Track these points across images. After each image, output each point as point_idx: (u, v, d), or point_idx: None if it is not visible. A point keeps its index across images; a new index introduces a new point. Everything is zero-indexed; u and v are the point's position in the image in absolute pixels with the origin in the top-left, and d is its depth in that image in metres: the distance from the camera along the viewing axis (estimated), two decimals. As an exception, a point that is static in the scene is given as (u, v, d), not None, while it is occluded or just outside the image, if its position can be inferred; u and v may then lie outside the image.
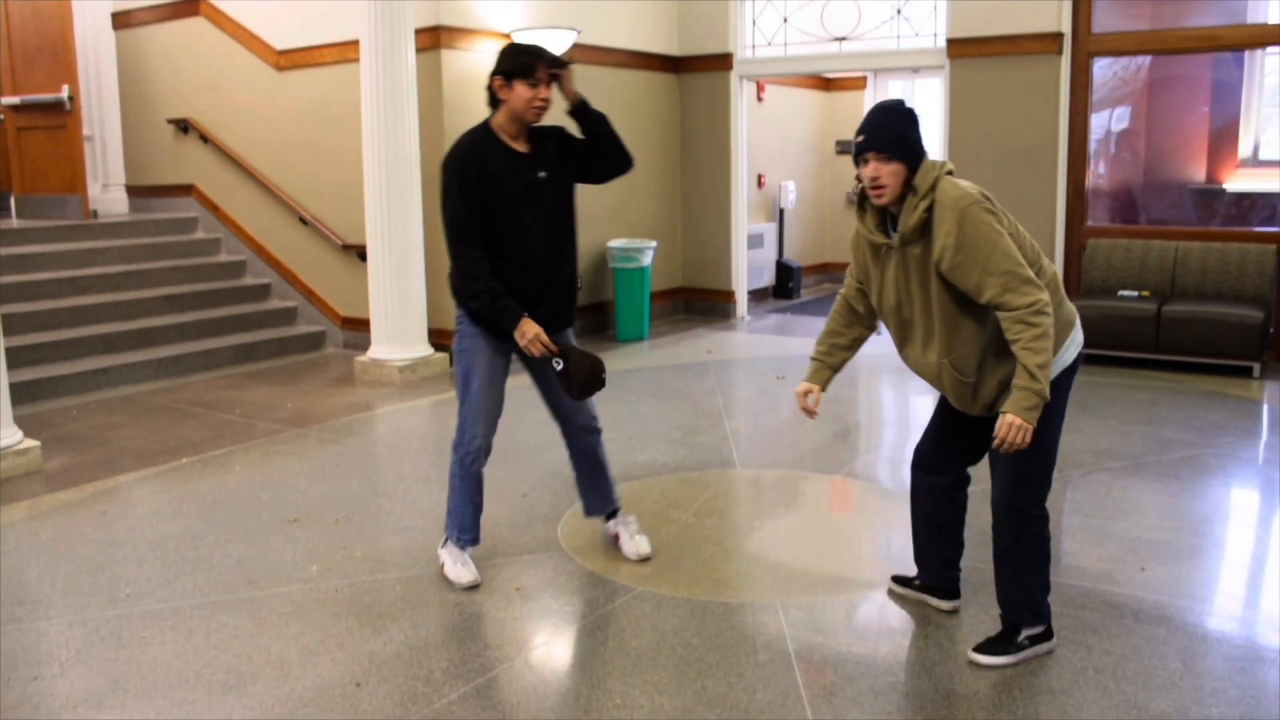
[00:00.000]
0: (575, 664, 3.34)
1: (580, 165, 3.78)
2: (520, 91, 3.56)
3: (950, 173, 3.07)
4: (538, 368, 3.84)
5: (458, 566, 3.86)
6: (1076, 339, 3.19)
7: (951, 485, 3.49)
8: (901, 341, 3.27)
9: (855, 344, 3.50)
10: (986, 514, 3.30)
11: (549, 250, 3.76)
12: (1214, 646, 3.34)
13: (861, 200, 3.20)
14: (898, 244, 3.09)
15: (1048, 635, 3.29)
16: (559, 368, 3.69)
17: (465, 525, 3.88)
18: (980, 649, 3.26)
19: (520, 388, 7.28)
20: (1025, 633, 3.25)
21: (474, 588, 3.79)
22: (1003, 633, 3.29)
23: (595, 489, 4.11)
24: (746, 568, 4.10)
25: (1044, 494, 3.23)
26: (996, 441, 2.98)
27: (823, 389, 3.47)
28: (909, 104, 3.15)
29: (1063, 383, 3.13)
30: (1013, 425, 2.93)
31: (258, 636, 3.46)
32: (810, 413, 3.54)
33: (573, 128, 3.75)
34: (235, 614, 3.63)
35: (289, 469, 5.29)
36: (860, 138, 3.05)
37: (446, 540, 3.94)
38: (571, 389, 3.73)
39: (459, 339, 3.79)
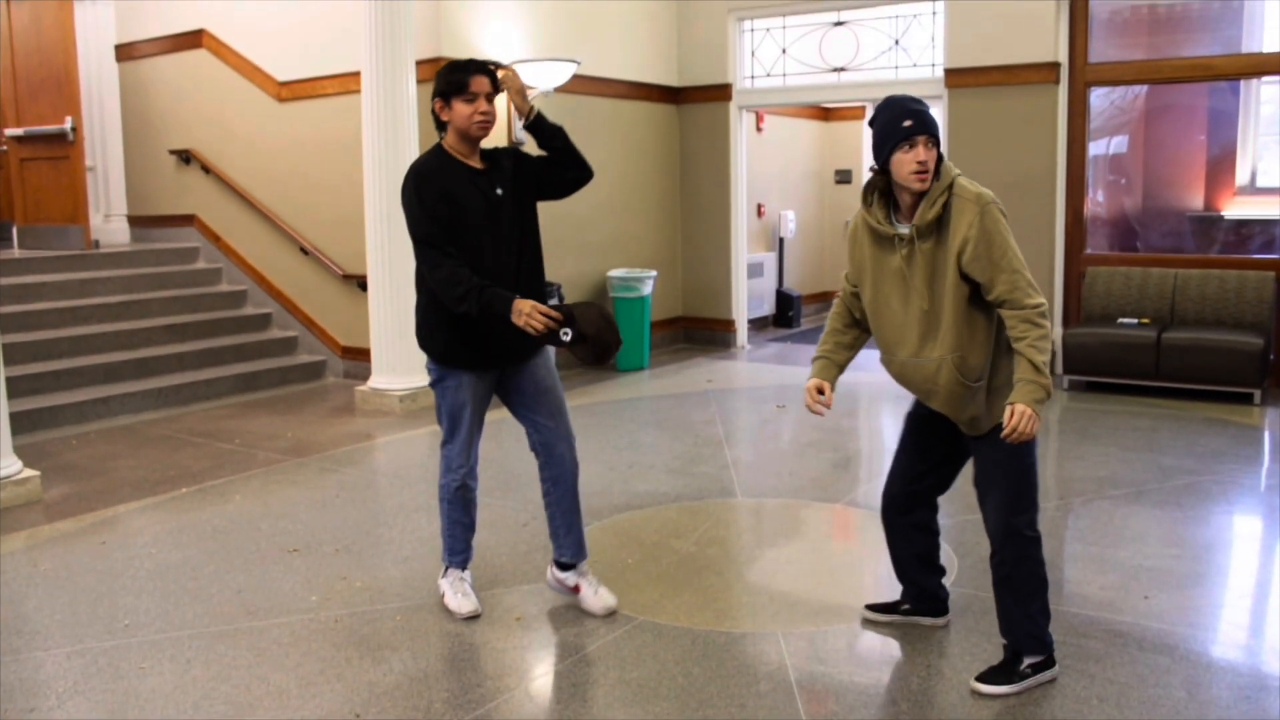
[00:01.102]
0: (576, 694, 3.32)
1: (539, 179, 3.74)
2: (460, 109, 3.51)
3: (960, 174, 3.17)
4: (516, 398, 3.77)
5: (458, 597, 3.82)
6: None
7: (926, 518, 3.51)
8: (895, 343, 3.25)
9: (857, 344, 3.49)
10: (984, 542, 3.29)
11: (514, 271, 3.61)
12: (1219, 675, 3.32)
13: (869, 191, 3.22)
14: (911, 235, 3.13)
15: (1050, 663, 3.27)
16: (567, 338, 3.44)
17: (456, 547, 3.86)
18: (983, 678, 3.24)
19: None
20: (1028, 661, 3.24)
21: (474, 618, 3.76)
22: (1005, 661, 3.27)
23: (571, 530, 3.84)
24: (748, 597, 4.09)
25: (1035, 515, 3.24)
26: (1006, 430, 3.00)
27: (832, 386, 3.40)
28: (887, 100, 3.21)
29: None
30: (1025, 414, 2.97)
31: (257, 667, 3.44)
32: (819, 410, 3.38)
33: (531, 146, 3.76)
34: (234, 644, 3.61)
35: (289, 499, 5.28)
36: (909, 123, 3.06)
37: (445, 569, 3.91)
38: (589, 354, 3.52)
39: (437, 379, 3.69)
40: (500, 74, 3.63)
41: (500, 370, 3.72)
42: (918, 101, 3.15)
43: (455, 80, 3.52)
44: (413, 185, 3.52)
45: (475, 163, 3.61)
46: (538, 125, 3.70)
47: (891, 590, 3.77)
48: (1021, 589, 3.24)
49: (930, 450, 3.41)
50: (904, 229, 3.16)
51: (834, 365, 3.44)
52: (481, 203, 3.55)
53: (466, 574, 3.90)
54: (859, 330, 3.46)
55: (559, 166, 3.78)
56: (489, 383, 3.73)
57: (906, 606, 3.68)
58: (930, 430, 3.38)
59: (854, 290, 3.39)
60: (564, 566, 3.88)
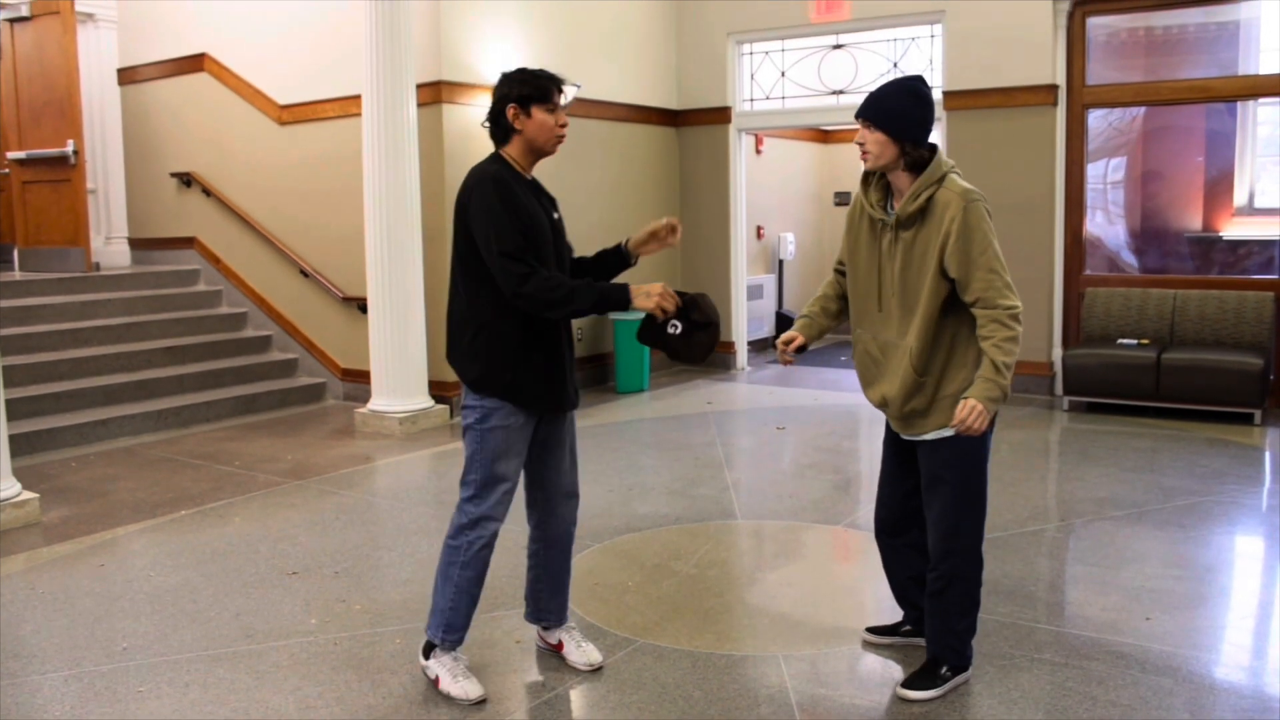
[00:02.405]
0: (576, 718, 3.30)
1: None
2: (540, 118, 3.20)
3: (957, 173, 3.19)
4: (535, 448, 3.40)
5: (460, 681, 3.33)
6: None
7: (919, 539, 3.49)
8: (862, 317, 3.34)
9: (841, 315, 3.52)
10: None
11: None
12: (1221, 697, 3.31)
13: (869, 173, 3.29)
14: (893, 224, 3.19)
15: (963, 670, 3.37)
16: (676, 330, 3.19)
17: (456, 624, 3.35)
18: (908, 684, 3.32)
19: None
20: (944, 668, 3.33)
21: (483, 703, 3.32)
22: (926, 666, 3.36)
23: (557, 594, 3.59)
24: (748, 619, 4.07)
25: (977, 541, 3.28)
26: (955, 420, 3.05)
27: (807, 343, 3.44)
28: (915, 82, 3.21)
29: (993, 423, 3.16)
30: (975, 409, 3.01)
31: (256, 690, 3.42)
32: (785, 359, 3.43)
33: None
34: (233, 667, 3.59)
35: (288, 521, 5.27)
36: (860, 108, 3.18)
37: (432, 648, 3.40)
38: (693, 349, 3.22)
39: (483, 418, 3.25)
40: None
41: (556, 413, 3.38)
42: (887, 84, 3.22)
43: (541, 86, 3.20)
44: (495, 193, 3.15)
45: (529, 178, 3.31)
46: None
47: (893, 612, 3.76)
48: (951, 608, 3.31)
49: (909, 467, 3.41)
50: (891, 216, 3.22)
51: (814, 326, 3.51)
52: (546, 221, 3.27)
53: (461, 655, 3.43)
54: (844, 304, 3.50)
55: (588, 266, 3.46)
56: (532, 427, 3.33)
57: (907, 628, 3.67)
58: (906, 447, 3.39)
59: (840, 268, 3.46)
60: (544, 626, 3.64)
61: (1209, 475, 5.79)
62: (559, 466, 3.47)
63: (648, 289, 3.15)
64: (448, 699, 3.33)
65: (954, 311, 3.15)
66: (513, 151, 3.26)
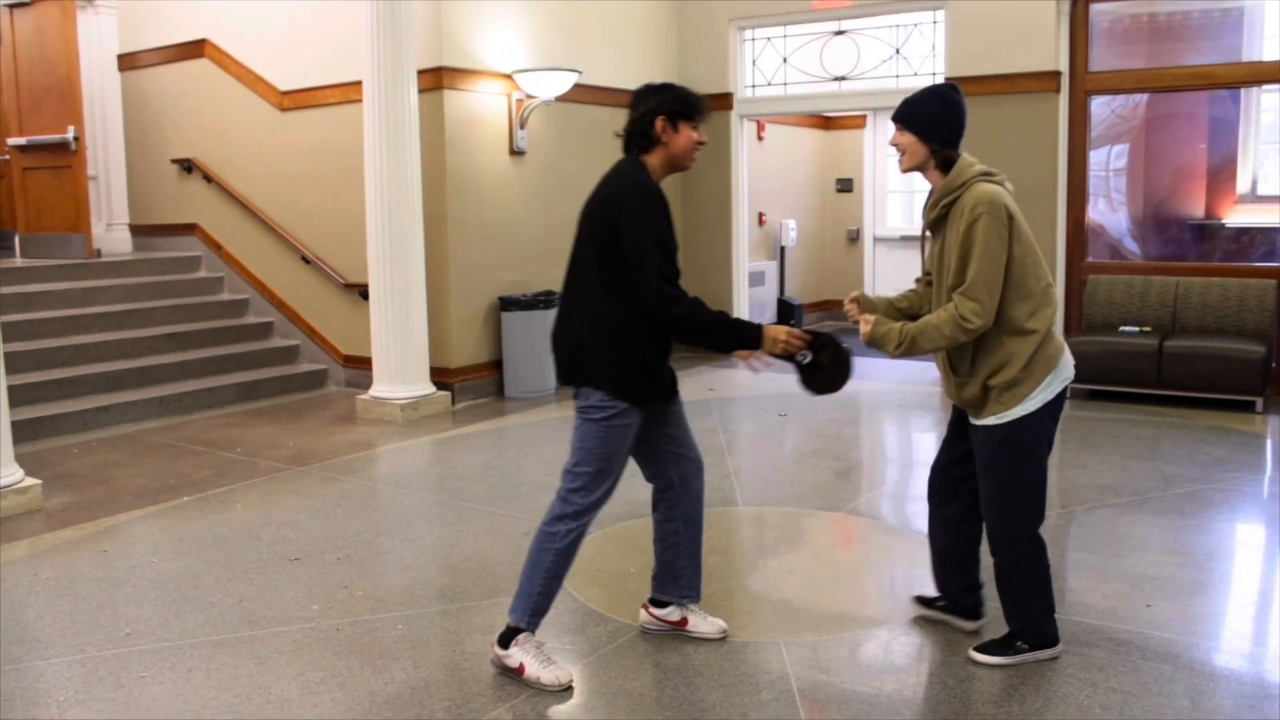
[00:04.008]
0: (578, 703, 3.31)
1: None
2: (686, 134, 3.32)
3: (991, 174, 3.29)
4: (656, 432, 3.46)
5: (549, 668, 3.32)
6: (1063, 373, 3.34)
7: (960, 516, 3.55)
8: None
9: (904, 315, 3.56)
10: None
11: None
12: (1222, 684, 3.31)
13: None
14: (924, 226, 3.43)
15: (1048, 645, 3.43)
16: (806, 360, 3.34)
17: (543, 609, 3.39)
18: (981, 649, 3.43)
19: (521, 425, 7.28)
20: (1019, 643, 3.41)
21: (570, 688, 3.32)
22: (1005, 636, 3.44)
23: (699, 568, 3.62)
24: (749, 606, 4.08)
25: (1031, 522, 3.35)
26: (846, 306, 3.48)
27: (866, 308, 3.54)
28: (949, 91, 3.40)
29: (1047, 414, 3.30)
30: (867, 324, 3.32)
31: (258, 676, 3.43)
32: (849, 308, 3.59)
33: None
34: (235, 653, 3.60)
35: (290, 507, 5.28)
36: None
37: (512, 636, 3.38)
38: (818, 382, 3.38)
39: (611, 415, 3.27)
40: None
41: (667, 402, 3.45)
42: (921, 90, 3.42)
43: (693, 105, 3.33)
44: (659, 208, 3.24)
45: None
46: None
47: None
48: (1019, 592, 3.39)
49: (961, 439, 3.51)
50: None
51: (887, 302, 3.59)
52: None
53: (541, 641, 3.43)
54: (910, 311, 3.59)
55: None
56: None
57: (942, 603, 3.73)
58: (963, 419, 3.49)
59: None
60: (662, 604, 3.65)
61: (1210, 463, 5.79)
62: (688, 442, 3.56)
63: (775, 334, 3.29)
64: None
65: None
66: (653, 161, 3.35)
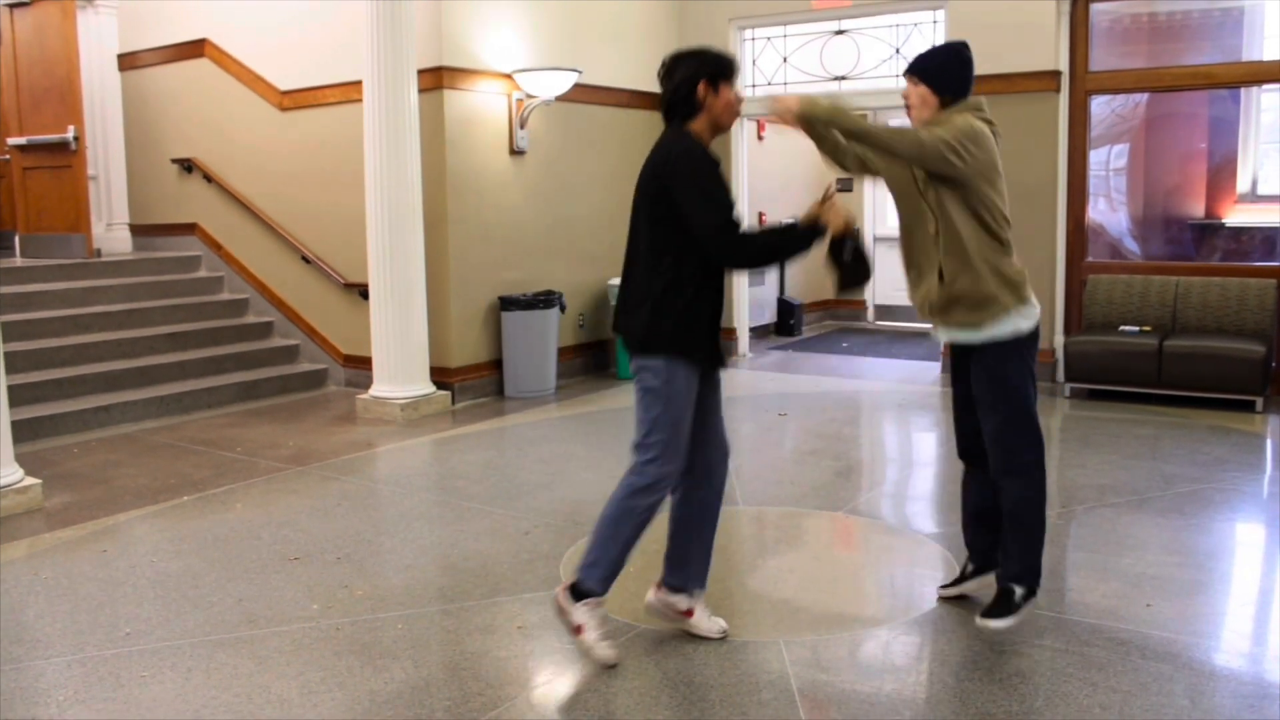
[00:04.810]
0: (577, 703, 3.31)
1: None
2: (726, 94, 3.37)
3: (981, 109, 3.54)
4: (701, 392, 3.50)
5: (603, 645, 3.42)
6: (1032, 312, 3.50)
7: (985, 477, 3.67)
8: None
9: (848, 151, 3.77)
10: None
11: None
12: (1221, 683, 3.31)
13: None
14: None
15: (1034, 592, 3.57)
16: (849, 256, 3.50)
17: (613, 575, 3.44)
18: (987, 614, 3.51)
19: (520, 425, 7.27)
20: (1019, 592, 3.51)
21: (614, 667, 3.42)
22: (1001, 596, 3.53)
23: (709, 556, 3.64)
24: (749, 605, 4.08)
25: (1033, 461, 3.50)
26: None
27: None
28: (963, 47, 3.59)
29: (1024, 348, 3.49)
30: (784, 100, 3.44)
31: (258, 675, 3.43)
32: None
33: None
34: (235, 653, 3.60)
35: (290, 507, 5.28)
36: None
37: (581, 593, 3.41)
38: (857, 275, 3.55)
39: (669, 379, 3.34)
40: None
41: (716, 369, 3.52)
42: (933, 47, 3.65)
43: (728, 64, 3.39)
44: (711, 166, 3.31)
45: None
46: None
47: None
48: (1026, 526, 3.52)
49: (969, 398, 3.63)
50: None
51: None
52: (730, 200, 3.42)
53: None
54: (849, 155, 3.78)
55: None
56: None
57: (971, 568, 3.86)
58: (965, 376, 3.63)
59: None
60: (676, 589, 3.64)
61: (1210, 462, 5.79)
62: (718, 427, 3.57)
63: (830, 221, 3.40)
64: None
65: (959, 216, 3.44)
66: (698, 127, 3.38)
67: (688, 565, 3.62)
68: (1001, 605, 3.51)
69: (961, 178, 3.39)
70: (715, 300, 3.44)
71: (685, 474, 3.53)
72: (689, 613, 3.65)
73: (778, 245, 3.45)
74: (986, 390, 3.51)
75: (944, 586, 3.94)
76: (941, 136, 3.33)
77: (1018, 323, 3.45)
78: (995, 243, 3.47)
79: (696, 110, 3.36)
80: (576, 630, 3.41)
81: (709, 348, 3.43)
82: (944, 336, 3.62)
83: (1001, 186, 3.51)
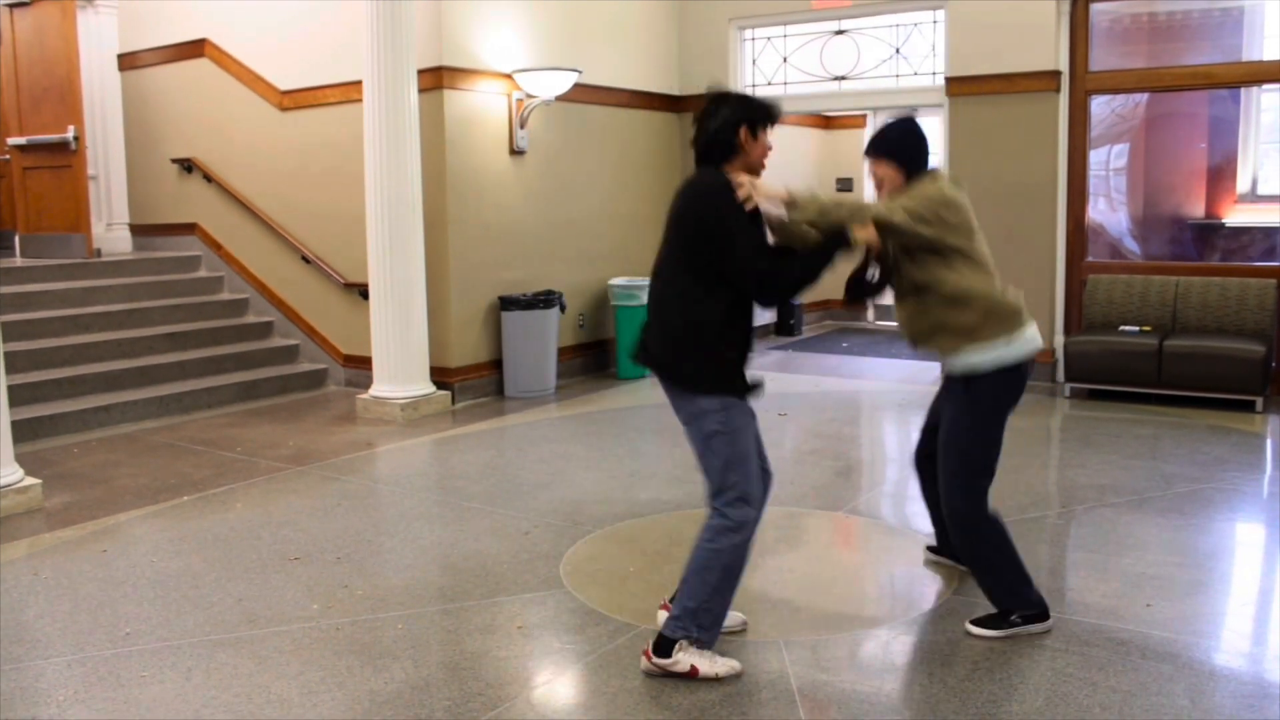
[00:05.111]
0: (577, 703, 3.31)
1: None
2: (763, 141, 3.38)
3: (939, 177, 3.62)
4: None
5: (719, 660, 3.36)
6: (1018, 346, 3.55)
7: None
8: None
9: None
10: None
11: None
12: (1221, 683, 3.31)
13: None
14: None
15: (1043, 617, 3.62)
16: (874, 279, 3.62)
17: (721, 618, 3.40)
18: (976, 621, 3.63)
19: (520, 425, 7.26)
20: (1014, 615, 3.60)
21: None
22: (1000, 612, 3.63)
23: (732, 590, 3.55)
24: (749, 605, 4.07)
25: (978, 498, 3.61)
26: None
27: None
28: (916, 123, 3.74)
29: (998, 381, 3.55)
30: (752, 184, 3.33)
31: (258, 675, 3.43)
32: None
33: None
34: (235, 653, 3.60)
35: (290, 507, 5.28)
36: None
37: (676, 644, 3.34)
38: (872, 294, 3.69)
39: (728, 418, 3.33)
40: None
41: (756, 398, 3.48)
42: (885, 125, 3.76)
43: (771, 112, 3.40)
44: (734, 198, 3.28)
45: None
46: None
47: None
48: (982, 564, 3.67)
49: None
50: None
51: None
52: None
53: None
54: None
55: None
56: None
57: (948, 553, 4.15)
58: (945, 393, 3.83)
59: None
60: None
61: (1210, 462, 5.79)
62: (762, 453, 3.55)
63: (863, 235, 3.44)
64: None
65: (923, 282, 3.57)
66: (732, 169, 3.36)
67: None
68: (992, 621, 3.62)
69: (932, 243, 3.49)
70: (751, 332, 3.46)
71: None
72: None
73: (810, 272, 3.39)
74: (948, 417, 3.71)
75: (930, 549, 4.30)
76: (907, 207, 3.45)
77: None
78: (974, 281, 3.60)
79: (735, 153, 3.35)
80: (691, 674, 3.32)
81: (750, 379, 3.43)
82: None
83: (979, 242, 3.61)
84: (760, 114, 3.38)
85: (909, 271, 3.56)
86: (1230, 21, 8.89)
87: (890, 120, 3.76)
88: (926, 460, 3.94)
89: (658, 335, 3.43)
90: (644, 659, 3.37)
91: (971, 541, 3.63)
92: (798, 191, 3.39)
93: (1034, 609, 3.60)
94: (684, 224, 3.34)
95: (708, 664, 3.33)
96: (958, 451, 3.59)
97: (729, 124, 3.34)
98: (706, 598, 3.33)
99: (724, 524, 3.34)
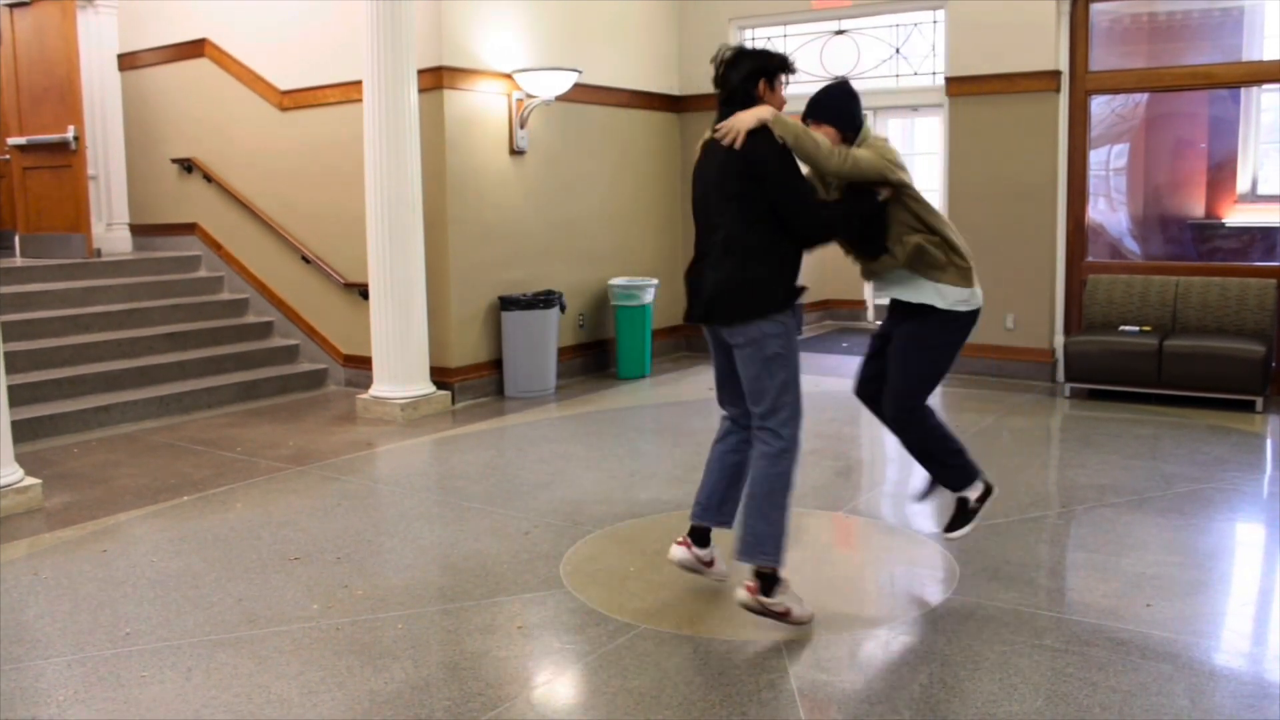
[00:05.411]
0: (577, 703, 3.32)
1: None
2: (779, 91, 3.72)
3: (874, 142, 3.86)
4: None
5: (802, 605, 3.66)
6: (980, 297, 3.96)
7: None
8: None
9: None
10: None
11: None
12: (1221, 683, 3.31)
13: None
14: None
15: (988, 492, 4.12)
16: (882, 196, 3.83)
17: (785, 544, 3.65)
18: (948, 528, 4.14)
19: (520, 425, 7.26)
20: (970, 498, 4.09)
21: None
22: (958, 509, 4.12)
23: (737, 499, 3.90)
24: (749, 605, 4.08)
25: (922, 400, 4.01)
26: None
27: None
28: (850, 85, 4.02)
29: (969, 320, 3.95)
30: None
31: (258, 675, 3.43)
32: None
33: None
34: (235, 653, 3.60)
35: (290, 507, 5.28)
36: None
37: (772, 581, 3.61)
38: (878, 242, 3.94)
39: (783, 341, 3.63)
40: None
41: None
42: (822, 89, 4.01)
43: (785, 62, 3.72)
44: (786, 149, 3.60)
45: None
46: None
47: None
48: (937, 449, 4.06)
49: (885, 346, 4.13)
50: None
51: None
52: None
53: None
54: None
55: None
56: None
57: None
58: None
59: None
60: (703, 541, 3.96)
61: (1210, 462, 5.79)
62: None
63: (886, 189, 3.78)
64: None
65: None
66: None
67: (725, 505, 3.90)
68: (959, 520, 4.12)
69: (909, 188, 3.85)
70: (799, 262, 3.74)
71: (742, 429, 3.85)
72: (711, 563, 3.97)
73: (848, 217, 3.78)
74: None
75: (915, 496, 4.64)
76: (887, 158, 3.75)
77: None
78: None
79: (754, 103, 3.62)
80: (783, 616, 3.61)
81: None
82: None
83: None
84: (775, 64, 3.68)
85: (895, 215, 3.86)
86: (1230, 21, 8.90)
87: (827, 84, 4.00)
88: (874, 381, 4.15)
89: (720, 277, 3.65)
90: (745, 592, 3.61)
91: (922, 437, 4.02)
92: (787, 123, 3.62)
93: (981, 482, 4.09)
94: (733, 170, 3.59)
95: (798, 608, 3.63)
96: (930, 365, 3.99)
97: (750, 75, 3.64)
98: (779, 519, 3.61)
99: (781, 445, 3.64)
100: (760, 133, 3.54)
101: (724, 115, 3.66)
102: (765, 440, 3.64)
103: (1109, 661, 3.42)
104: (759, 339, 3.59)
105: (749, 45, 8.89)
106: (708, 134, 3.76)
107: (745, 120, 3.55)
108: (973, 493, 4.07)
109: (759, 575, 3.60)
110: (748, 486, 3.69)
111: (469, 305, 7.79)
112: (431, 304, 7.40)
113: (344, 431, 6.90)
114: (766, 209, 3.57)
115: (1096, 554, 4.46)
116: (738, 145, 3.54)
